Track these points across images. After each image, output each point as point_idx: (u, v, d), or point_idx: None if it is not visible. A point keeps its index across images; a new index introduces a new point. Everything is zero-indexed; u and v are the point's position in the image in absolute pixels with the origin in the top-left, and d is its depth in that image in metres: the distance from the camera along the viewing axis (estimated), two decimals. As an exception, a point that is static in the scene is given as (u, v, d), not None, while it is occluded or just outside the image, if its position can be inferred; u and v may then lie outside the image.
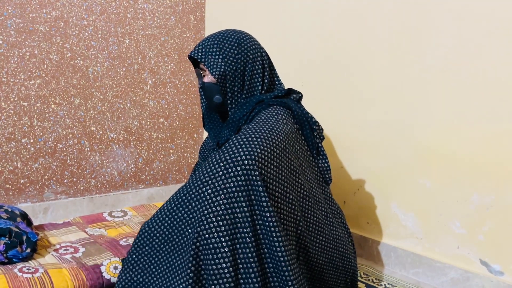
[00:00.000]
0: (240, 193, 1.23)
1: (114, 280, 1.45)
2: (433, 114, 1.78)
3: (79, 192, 2.37)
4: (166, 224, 1.29)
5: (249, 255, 1.21)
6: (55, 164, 2.27)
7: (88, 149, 2.37)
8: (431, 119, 1.79)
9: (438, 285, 1.79)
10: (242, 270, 1.21)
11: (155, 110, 2.58)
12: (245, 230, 1.22)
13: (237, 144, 1.28)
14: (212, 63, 1.47)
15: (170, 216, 1.28)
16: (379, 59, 1.93)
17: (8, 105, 2.12)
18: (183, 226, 1.26)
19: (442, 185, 1.77)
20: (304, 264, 1.36)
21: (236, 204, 1.22)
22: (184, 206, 1.26)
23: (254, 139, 1.29)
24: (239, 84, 1.49)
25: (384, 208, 1.98)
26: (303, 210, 1.36)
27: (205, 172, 1.26)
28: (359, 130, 2.02)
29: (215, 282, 1.18)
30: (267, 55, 1.57)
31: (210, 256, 1.20)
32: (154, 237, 1.30)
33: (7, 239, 1.41)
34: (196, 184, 1.26)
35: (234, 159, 1.24)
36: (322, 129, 1.52)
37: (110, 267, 1.47)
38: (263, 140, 1.29)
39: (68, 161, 2.31)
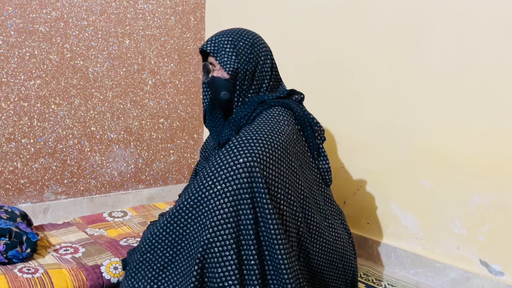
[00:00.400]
0: (244, 196, 1.22)
1: (114, 280, 1.45)
2: (433, 114, 1.78)
3: (79, 193, 2.37)
4: (169, 230, 1.28)
5: (251, 257, 1.21)
6: (55, 164, 2.27)
7: (88, 149, 2.37)
8: (431, 120, 1.78)
9: (438, 285, 1.79)
10: (245, 272, 1.21)
11: (155, 111, 2.58)
12: (248, 233, 1.22)
13: (238, 146, 1.27)
14: (225, 59, 1.47)
15: (173, 222, 1.28)
16: (379, 60, 1.93)
17: (8, 106, 2.12)
18: (188, 232, 1.25)
19: (442, 185, 1.77)
20: (304, 266, 1.36)
21: (240, 207, 1.22)
22: (188, 211, 1.26)
23: (256, 140, 1.29)
24: (248, 83, 1.50)
25: (384, 209, 1.97)
26: (304, 212, 1.36)
27: (206, 175, 1.26)
28: (359, 131, 2.02)
29: (220, 284, 1.19)
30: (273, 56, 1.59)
31: (216, 259, 1.20)
32: (157, 244, 1.29)
33: (7, 239, 1.41)
34: (199, 189, 1.25)
35: (236, 162, 1.24)
36: (323, 130, 1.52)
37: (110, 267, 1.47)
38: (265, 142, 1.29)
39: (68, 161, 2.31)
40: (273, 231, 1.22)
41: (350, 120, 2.06)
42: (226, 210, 1.22)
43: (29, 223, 1.66)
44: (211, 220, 1.21)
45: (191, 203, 1.25)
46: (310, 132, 1.47)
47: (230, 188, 1.22)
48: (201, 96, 2.75)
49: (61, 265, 1.44)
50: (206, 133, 2.78)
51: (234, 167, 1.24)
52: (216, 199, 1.22)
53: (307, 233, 1.35)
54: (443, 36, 1.73)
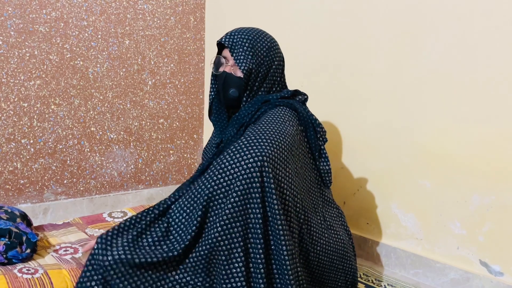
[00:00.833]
0: (254, 195, 1.22)
1: (114, 280, 1.45)
2: (433, 115, 1.78)
3: (79, 193, 2.37)
4: (181, 225, 1.28)
5: (258, 256, 1.21)
6: (55, 164, 2.27)
7: (88, 149, 2.37)
8: (431, 120, 1.79)
9: (438, 285, 1.79)
10: (252, 270, 1.21)
11: (155, 111, 2.58)
12: (256, 231, 1.22)
13: (247, 144, 1.27)
14: (242, 57, 1.47)
15: (182, 218, 1.27)
16: (379, 60, 1.93)
17: (8, 106, 2.12)
18: (194, 228, 1.24)
19: (442, 185, 1.77)
20: (305, 267, 1.36)
21: (249, 206, 1.22)
22: (195, 206, 1.25)
23: (265, 140, 1.29)
24: (259, 84, 1.51)
25: (384, 209, 1.97)
26: (305, 213, 1.36)
27: (216, 172, 1.25)
28: (359, 131, 2.02)
29: (227, 281, 1.19)
30: None
31: (224, 257, 1.20)
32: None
33: (7, 239, 1.41)
34: (209, 185, 1.24)
35: (247, 160, 1.23)
36: (325, 132, 1.53)
37: (110, 267, 1.47)
38: (273, 141, 1.29)
39: (68, 161, 2.31)
40: (281, 231, 1.22)
41: (350, 120, 2.06)
42: (236, 208, 1.21)
43: (29, 223, 1.66)
44: (220, 218, 1.21)
45: (201, 198, 1.24)
46: (313, 133, 1.47)
47: (241, 187, 1.22)
48: (202, 97, 2.75)
49: (61, 265, 1.44)
50: (206, 133, 2.78)
51: (245, 166, 1.23)
52: (225, 196, 1.22)
53: (308, 234, 1.35)
54: (443, 36, 1.73)
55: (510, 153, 1.59)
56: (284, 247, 1.21)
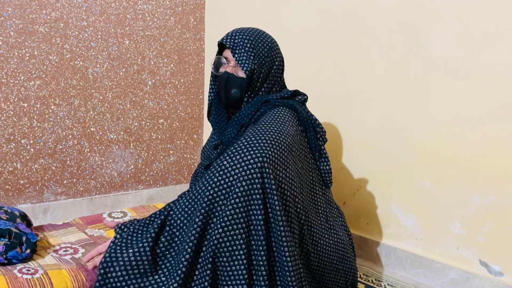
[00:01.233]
0: (255, 196, 1.21)
1: (113, 281, 1.45)
2: (433, 114, 1.78)
3: (78, 193, 2.37)
4: (181, 225, 1.28)
5: (260, 258, 1.21)
6: (54, 165, 2.27)
7: (88, 150, 2.37)
8: (431, 120, 1.79)
9: (438, 286, 1.79)
10: (253, 272, 1.21)
11: (154, 111, 2.58)
12: (258, 233, 1.21)
13: (247, 145, 1.26)
14: (244, 57, 1.47)
15: (183, 219, 1.27)
16: (379, 59, 1.93)
17: (7, 106, 2.12)
18: (198, 229, 1.24)
19: (442, 186, 1.77)
20: (306, 268, 1.35)
21: (250, 207, 1.22)
22: (196, 207, 1.25)
23: (265, 140, 1.28)
24: (260, 85, 1.51)
25: (384, 209, 1.97)
26: (306, 214, 1.36)
27: (217, 173, 1.24)
28: (359, 131, 2.02)
29: (229, 283, 1.19)
30: None
31: (226, 259, 1.19)
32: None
33: (6, 240, 1.41)
34: (210, 187, 1.23)
35: (247, 161, 1.23)
36: (325, 132, 1.53)
37: (110, 268, 1.47)
38: (274, 142, 1.29)
39: (68, 162, 2.31)
40: (282, 233, 1.21)
41: (350, 120, 2.06)
42: (237, 210, 1.21)
43: (28, 223, 1.66)
44: (221, 220, 1.21)
45: (201, 200, 1.23)
46: (313, 134, 1.47)
47: (242, 189, 1.21)
48: (201, 97, 2.75)
49: (60, 265, 1.44)
50: (206, 133, 2.78)
51: (245, 167, 1.22)
52: (226, 198, 1.22)
53: (308, 235, 1.35)
54: (443, 36, 1.73)
55: (510, 153, 1.59)
56: (286, 249, 1.21)
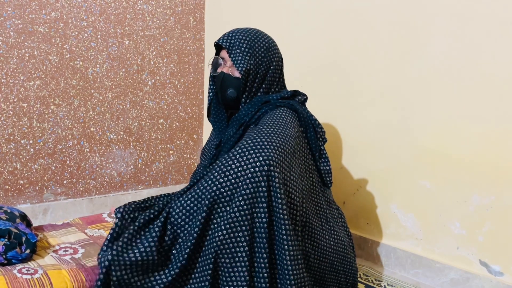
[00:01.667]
0: (260, 199, 1.21)
1: (113, 281, 1.45)
2: (433, 114, 1.78)
3: (78, 193, 2.37)
4: (183, 223, 1.27)
5: (261, 260, 1.21)
6: (54, 165, 2.27)
7: (88, 150, 2.37)
8: (431, 120, 1.79)
9: (437, 285, 1.79)
10: (255, 274, 1.21)
11: (154, 111, 2.58)
12: (261, 236, 1.21)
13: (253, 147, 1.25)
14: (240, 57, 1.47)
15: (185, 217, 1.26)
16: (379, 59, 1.93)
17: (7, 106, 2.11)
18: (200, 226, 1.23)
19: (442, 186, 1.77)
20: (307, 270, 1.35)
21: (255, 209, 1.21)
22: (199, 206, 1.24)
23: (271, 142, 1.27)
24: (257, 85, 1.50)
25: (384, 209, 1.97)
26: (307, 216, 1.36)
27: (222, 173, 1.23)
28: (359, 131, 2.02)
29: (230, 284, 1.18)
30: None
31: (228, 260, 1.19)
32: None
33: (6, 240, 1.41)
34: (215, 188, 1.22)
35: (254, 164, 1.22)
36: (324, 132, 1.53)
37: (110, 268, 1.47)
38: (279, 144, 1.28)
39: (68, 162, 2.31)
40: (285, 236, 1.21)
41: (349, 120, 2.06)
42: (242, 212, 1.20)
43: (28, 223, 1.66)
44: (225, 221, 1.20)
45: (206, 201, 1.23)
46: (313, 134, 1.47)
47: (247, 191, 1.20)
48: (201, 97, 2.75)
49: (60, 266, 1.44)
50: (206, 133, 2.78)
51: (252, 169, 1.21)
52: (230, 199, 1.21)
53: (309, 237, 1.35)
54: (443, 36, 1.73)
55: (510, 153, 1.59)
56: (287, 252, 1.21)
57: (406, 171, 1.88)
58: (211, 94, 1.60)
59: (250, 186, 1.20)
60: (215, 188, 1.23)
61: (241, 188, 1.21)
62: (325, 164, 1.51)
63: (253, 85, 1.50)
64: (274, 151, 1.25)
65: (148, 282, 1.21)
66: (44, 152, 2.23)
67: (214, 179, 1.24)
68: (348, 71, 2.04)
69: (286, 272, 1.21)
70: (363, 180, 2.04)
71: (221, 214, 1.22)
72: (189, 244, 1.22)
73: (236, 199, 1.21)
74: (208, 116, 1.64)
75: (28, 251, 1.44)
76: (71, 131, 2.30)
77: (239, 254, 1.20)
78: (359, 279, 1.82)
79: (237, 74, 1.48)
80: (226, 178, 1.23)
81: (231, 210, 1.20)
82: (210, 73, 1.56)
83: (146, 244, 1.22)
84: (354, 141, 2.05)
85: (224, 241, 1.20)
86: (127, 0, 2.41)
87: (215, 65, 1.53)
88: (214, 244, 1.20)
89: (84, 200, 2.37)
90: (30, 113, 2.17)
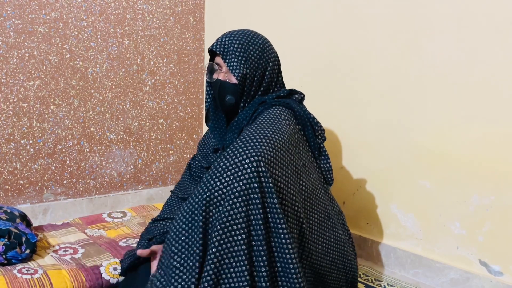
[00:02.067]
0: (253, 196, 1.21)
1: (113, 281, 1.45)
2: (433, 115, 1.78)
3: (78, 193, 2.37)
4: (183, 238, 1.26)
5: (260, 258, 1.21)
6: (54, 165, 2.27)
7: (88, 150, 2.37)
8: (430, 120, 1.79)
9: (437, 285, 1.79)
10: (255, 273, 1.21)
11: (154, 111, 2.58)
12: (257, 233, 1.21)
13: (243, 146, 1.25)
14: (235, 63, 1.45)
15: (185, 227, 1.26)
16: (378, 60, 1.93)
17: (7, 106, 2.11)
18: (201, 236, 1.23)
19: (442, 186, 1.77)
20: (309, 267, 1.35)
21: (249, 207, 1.21)
22: (198, 213, 1.24)
23: (260, 140, 1.27)
24: (255, 88, 1.49)
25: (383, 209, 1.97)
26: (306, 212, 1.36)
27: (214, 176, 1.23)
28: (359, 131, 2.02)
29: (232, 285, 1.18)
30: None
31: (227, 260, 1.19)
32: (173, 253, 1.27)
33: (6, 240, 1.41)
34: (207, 191, 1.22)
35: (243, 162, 1.21)
36: (323, 130, 1.52)
37: (110, 268, 1.47)
38: (269, 141, 1.28)
39: (68, 162, 2.31)
40: (281, 231, 1.21)
41: (349, 120, 2.06)
42: (236, 210, 1.20)
43: (28, 223, 1.66)
44: (220, 222, 1.20)
45: (200, 204, 1.23)
46: (311, 132, 1.47)
47: (239, 189, 1.20)
48: (201, 97, 2.75)
49: (60, 265, 1.44)
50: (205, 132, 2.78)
51: (242, 167, 1.22)
52: (222, 199, 1.21)
53: (309, 234, 1.35)
54: (443, 36, 1.73)
55: (510, 153, 1.59)
56: (287, 250, 1.21)
57: (406, 171, 1.88)
58: (208, 99, 1.59)
59: (241, 183, 1.20)
60: (207, 190, 1.23)
61: (233, 186, 1.21)
62: (325, 161, 1.50)
63: (251, 89, 1.49)
64: (263, 147, 1.25)
65: None
66: (44, 152, 2.23)
67: (207, 183, 1.24)
68: (348, 71, 2.04)
69: (291, 266, 1.20)
70: (363, 180, 2.04)
71: (216, 215, 1.22)
72: (196, 256, 1.21)
73: (229, 198, 1.20)
74: (206, 121, 1.63)
75: (28, 251, 1.44)
76: (71, 131, 2.30)
77: (238, 253, 1.19)
78: (359, 279, 1.82)
79: (234, 80, 1.47)
80: (217, 179, 1.23)
81: (225, 209, 1.20)
82: (206, 79, 1.55)
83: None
84: (354, 141, 2.05)
85: (222, 241, 1.19)
86: (127, 0, 2.41)
87: (210, 71, 1.52)
88: (213, 245, 1.20)
89: (84, 200, 2.37)
90: (30, 113, 2.17)
